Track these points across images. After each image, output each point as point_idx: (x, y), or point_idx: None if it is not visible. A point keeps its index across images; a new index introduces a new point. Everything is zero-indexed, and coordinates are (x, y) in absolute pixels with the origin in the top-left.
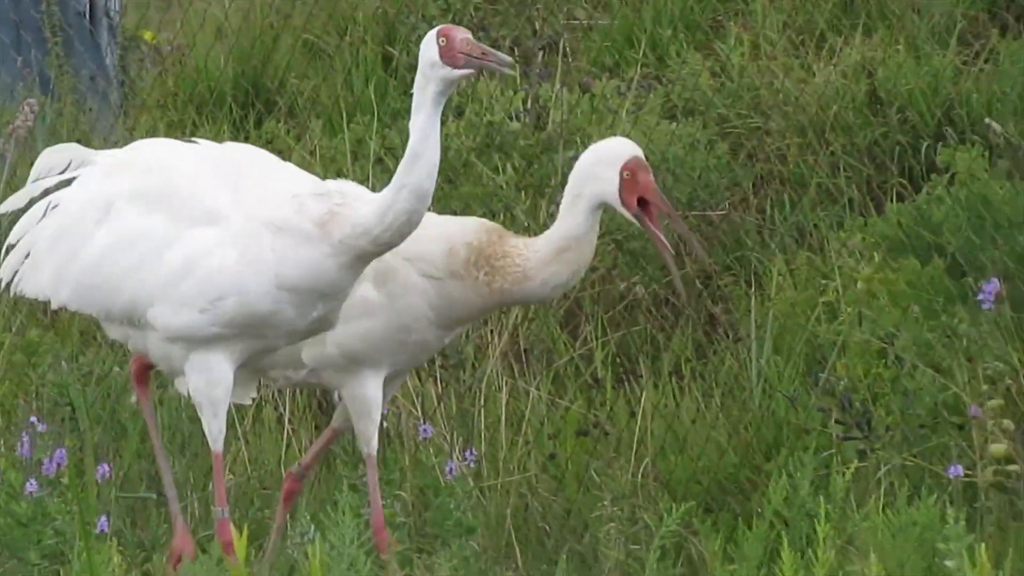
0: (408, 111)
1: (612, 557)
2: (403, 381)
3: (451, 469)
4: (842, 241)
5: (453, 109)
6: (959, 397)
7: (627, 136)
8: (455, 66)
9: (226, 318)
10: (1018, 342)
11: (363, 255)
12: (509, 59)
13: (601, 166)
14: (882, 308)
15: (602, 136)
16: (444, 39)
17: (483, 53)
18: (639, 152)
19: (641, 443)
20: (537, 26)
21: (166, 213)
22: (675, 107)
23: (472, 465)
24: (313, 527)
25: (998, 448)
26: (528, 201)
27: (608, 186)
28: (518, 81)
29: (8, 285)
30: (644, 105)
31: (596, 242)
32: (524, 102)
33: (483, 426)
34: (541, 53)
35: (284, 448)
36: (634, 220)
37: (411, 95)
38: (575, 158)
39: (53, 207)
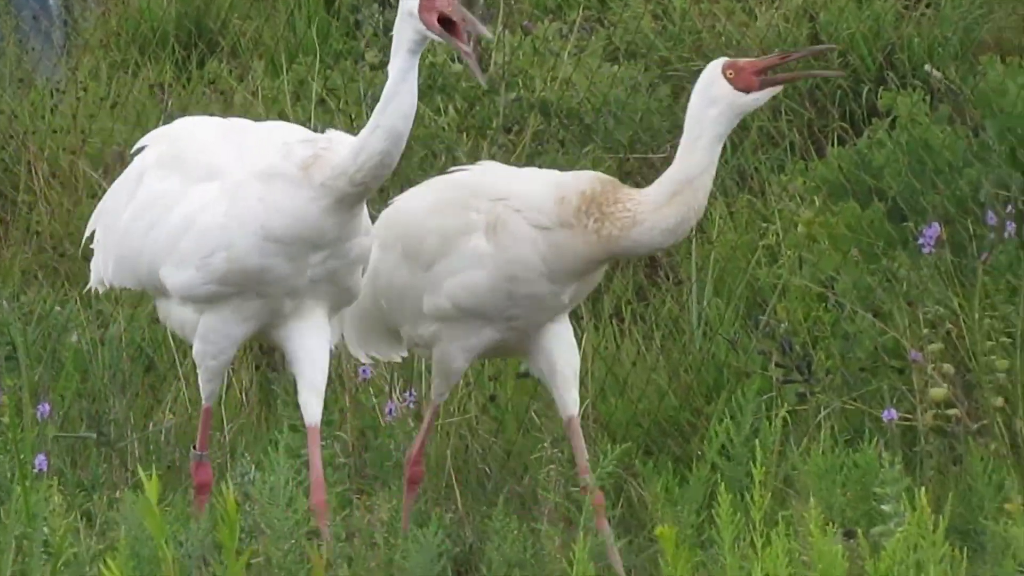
0: (349, 53)
1: (551, 499)
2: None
3: (391, 410)
4: (783, 185)
5: None
6: (899, 341)
7: (569, 79)
8: (429, 24)
9: (218, 274)
10: (958, 286)
11: (343, 197)
12: (486, 33)
13: (407, 17)
14: (822, 252)
15: (544, 79)
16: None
17: (462, 19)
18: None
19: (582, 385)
20: None
21: (180, 174)
22: (617, 50)
23: (412, 406)
24: (253, 467)
25: (938, 392)
26: (470, 143)
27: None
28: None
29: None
30: (586, 48)
31: (711, 187)
32: None
33: (423, 367)
34: None
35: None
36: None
37: (352, 36)
38: (517, 100)
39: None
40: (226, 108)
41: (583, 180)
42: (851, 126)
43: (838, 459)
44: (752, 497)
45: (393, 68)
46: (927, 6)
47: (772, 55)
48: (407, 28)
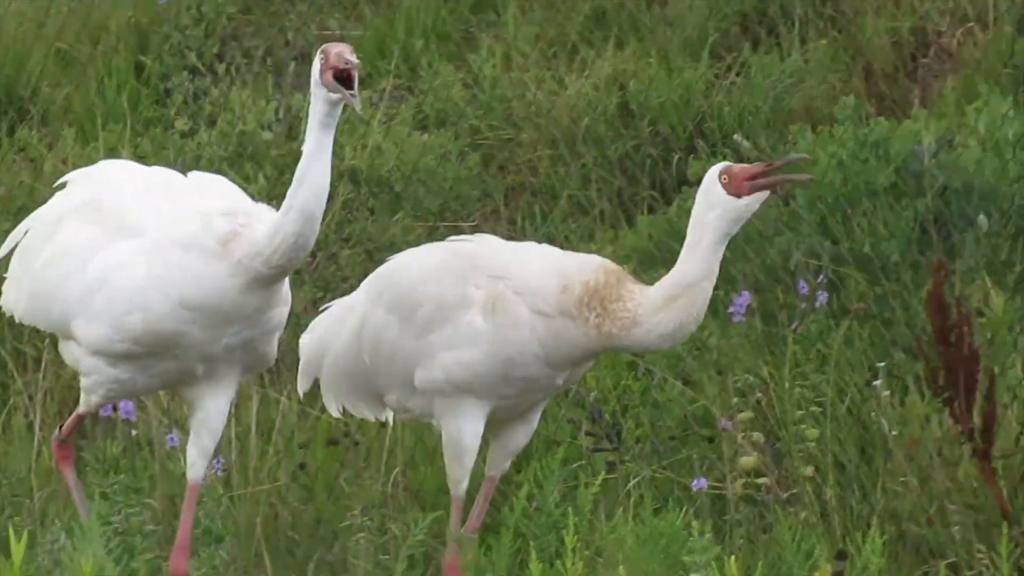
0: (160, 120)
1: (361, 567)
2: (531, 429)
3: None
4: (592, 252)
5: (206, 118)
6: (709, 409)
7: (379, 147)
8: (327, 84)
9: (134, 334)
10: (768, 355)
11: (260, 278)
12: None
13: (710, 184)
14: None
15: (354, 147)
16: (323, 56)
17: (345, 63)
18: (727, 164)
19: (391, 453)
20: (290, 36)
21: (98, 227)
22: (427, 118)
23: (221, 473)
24: (63, 534)
25: (747, 461)
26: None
27: (722, 197)
28: (270, 91)
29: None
30: (396, 116)
31: (711, 292)
32: (276, 112)
33: (233, 435)
34: (293, 63)
35: (35, 455)
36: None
37: (162, 104)
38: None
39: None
40: (35, 176)
41: (587, 270)
42: (661, 194)
43: (648, 528)
44: (564, 565)
45: (305, 146)
46: (737, 75)
47: (758, 164)
48: (316, 100)
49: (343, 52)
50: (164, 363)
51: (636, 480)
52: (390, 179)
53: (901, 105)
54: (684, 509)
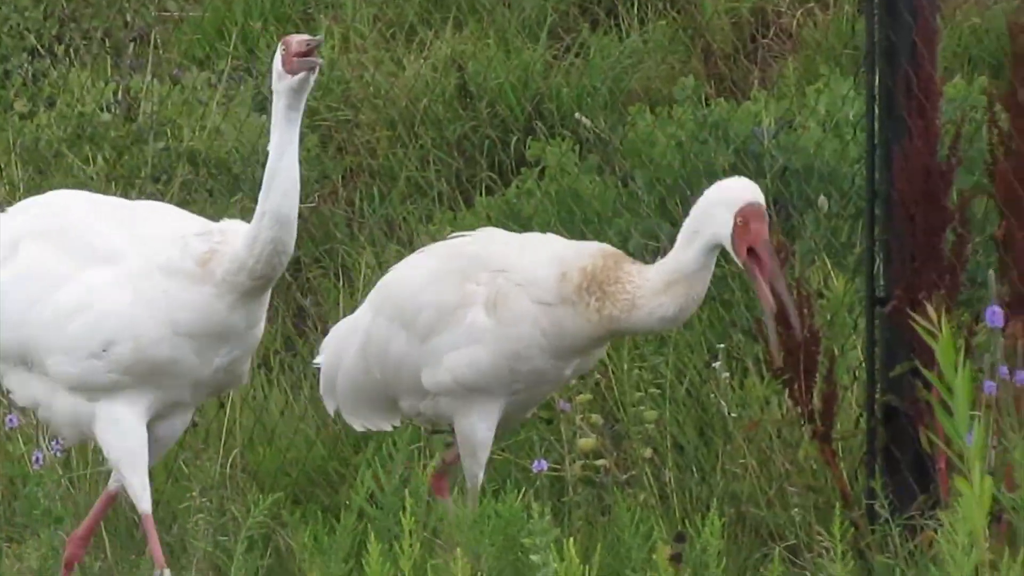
0: None
1: (200, 548)
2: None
3: (39, 459)
4: (431, 234)
5: (45, 100)
6: None
7: (217, 128)
8: (293, 72)
9: (123, 364)
10: None
11: (247, 291)
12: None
13: (719, 206)
14: None
15: (193, 128)
16: (283, 47)
17: (308, 46)
18: (759, 199)
19: (230, 434)
20: (128, 18)
21: (66, 253)
22: (265, 99)
23: (60, 454)
24: None
25: (586, 442)
26: (119, 192)
27: (722, 228)
28: (109, 72)
29: None
30: (235, 97)
31: (709, 280)
32: (115, 93)
33: None
34: (132, 45)
35: None
36: (743, 267)
37: (1, 86)
38: (165, 149)
39: None
40: None
41: (584, 255)
42: (500, 176)
43: (486, 509)
44: (401, 546)
45: (271, 146)
46: (576, 56)
47: None
48: (279, 94)
49: (303, 38)
50: (151, 393)
51: None
52: (228, 161)
53: (741, 86)
54: (523, 491)
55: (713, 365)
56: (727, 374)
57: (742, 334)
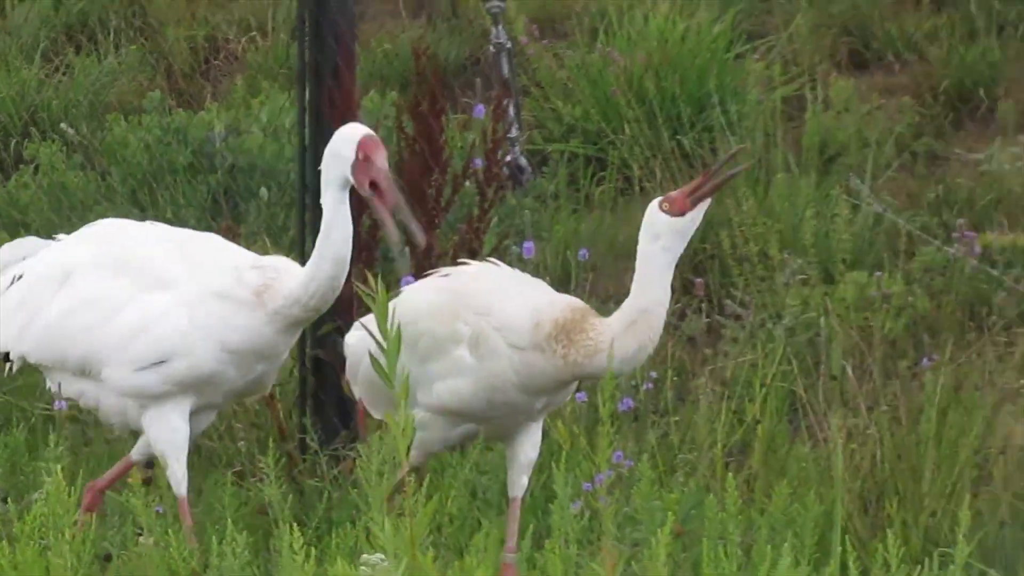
0: None
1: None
2: (538, 442)
3: None
4: None
5: None
6: None
7: None
8: (364, 187)
9: (176, 377)
10: None
11: (296, 321)
12: (419, 235)
13: (344, 143)
14: None
15: None
16: (364, 155)
17: (395, 206)
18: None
19: None
20: None
21: (125, 278)
22: None
23: None
24: None
25: None
26: None
27: (347, 164)
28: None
29: None
30: None
31: (664, 316)
32: None
33: None
34: None
35: None
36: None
37: None
38: None
39: (18, 277)
40: None
41: (558, 308)
42: (1, 171)
43: None
44: None
45: (326, 202)
46: (63, 74)
47: (697, 178)
48: (336, 169)
49: (388, 173)
50: (193, 398)
51: None
52: None
53: (198, 99)
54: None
55: None
56: None
57: None
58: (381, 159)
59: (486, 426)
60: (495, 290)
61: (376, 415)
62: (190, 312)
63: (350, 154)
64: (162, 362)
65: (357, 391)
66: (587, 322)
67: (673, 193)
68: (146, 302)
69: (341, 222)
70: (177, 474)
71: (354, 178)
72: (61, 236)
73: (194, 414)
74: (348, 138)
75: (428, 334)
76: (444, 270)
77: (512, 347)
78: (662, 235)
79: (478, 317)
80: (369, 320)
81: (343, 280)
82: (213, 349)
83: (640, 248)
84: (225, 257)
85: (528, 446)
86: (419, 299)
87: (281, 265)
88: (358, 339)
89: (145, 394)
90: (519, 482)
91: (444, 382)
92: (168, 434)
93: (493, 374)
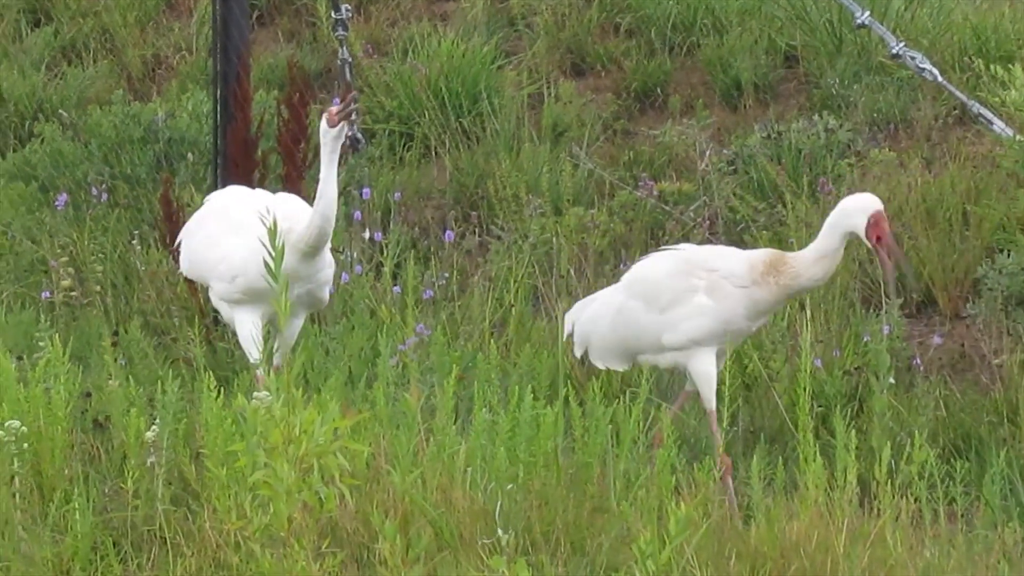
0: None
1: None
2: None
3: None
4: None
5: None
6: None
7: None
8: (871, 239)
9: (241, 288)
10: None
11: (305, 253)
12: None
13: (857, 212)
14: None
15: None
16: (874, 221)
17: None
18: (881, 207)
19: None
20: None
21: (224, 224)
22: None
23: None
24: None
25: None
26: None
27: (859, 227)
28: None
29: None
30: None
31: (842, 255)
32: None
33: None
34: None
35: None
36: (872, 249)
37: None
38: None
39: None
40: None
41: (761, 255)
42: (19, 142)
43: None
44: None
45: (322, 173)
46: (60, 79)
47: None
48: (324, 137)
49: (331, 110)
50: (261, 305)
51: None
52: None
53: (147, 95)
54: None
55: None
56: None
57: (148, 226)
58: (885, 224)
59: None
60: (714, 253)
61: (600, 366)
62: (247, 248)
63: (862, 220)
64: (234, 278)
65: (580, 350)
66: (784, 258)
67: (882, 223)
68: (227, 242)
69: (330, 188)
70: (253, 356)
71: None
72: (211, 196)
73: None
74: (863, 209)
75: (670, 289)
76: (668, 247)
77: (738, 288)
78: (845, 228)
79: (709, 273)
80: (584, 309)
81: (330, 231)
82: (259, 272)
83: (834, 216)
84: (277, 208)
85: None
86: (658, 267)
87: (301, 215)
88: (589, 318)
89: (229, 299)
90: (712, 401)
91: (689, 321)
92: (243, 329)
93: (727, 309)
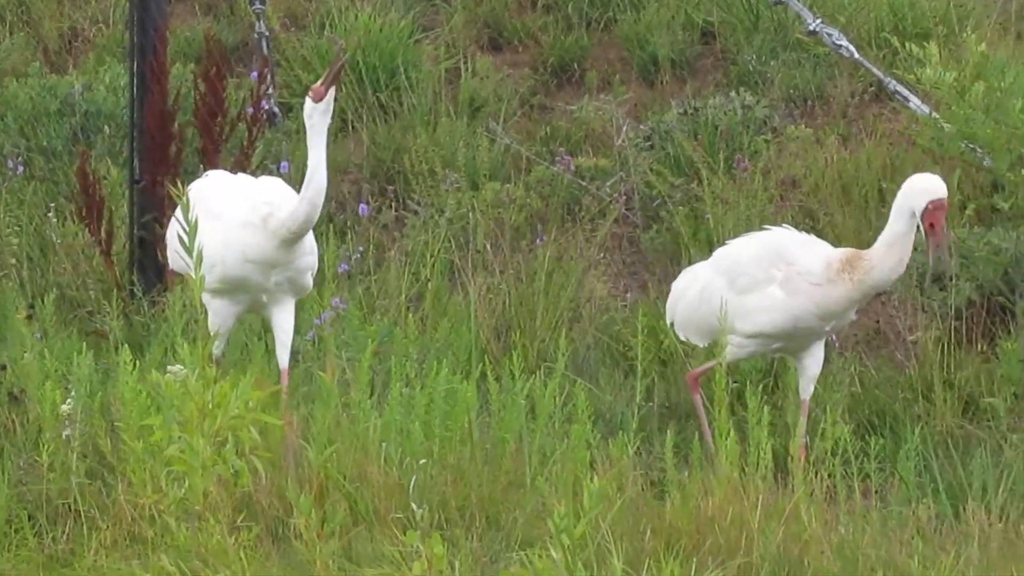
0: None
1: None
2: (821, 359)
3: None
4: None
5: None
6: None
7: None
8: (317, 100)
9: (217, 278)
10: None
11: (286, 239)
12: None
13: (921, 193)
14: None
15: None
16: (934, 207)
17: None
18: (945, 195)
19: None
20: None
21: (202, 211)
22: None
23: None
24: None
25: None
26: None
27: (919, 208)
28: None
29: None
30: None
31: (913, 241)
32: None
33: None
34: None
35: None
36: (923, 232)
37: None
38: None
39: None
40: None
41: (838, 252)
42: None
43: None
44: None
45: (310, 157)
46: None
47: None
48: (310, 117)
49: (315, 86)
50: (241, 295)
51: None
52: None
53: (64, 68)
54: None
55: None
56: None
57: (65, 200)
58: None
59: (786, 343)
60: (800, 245)
61: (682, 337)
62: (224, 234)
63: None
64: (211, 267)
65: (670, 318)
66: (860, 254)
67: (941, 210)
68: (206, 228)
69: (319, 174)
70: (220, 346)
71: (921, 216)
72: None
73: (264, 307)
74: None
75: (750, 274)
76: (765, 228)
77: (812, 285)
78: (910, 218)
79: (788, 266)
80: (676, 283)
81: (316, 217)
82: (238, 260)
83: (896, 207)
84: (256, 193)
85: (813, 362)
86: (744, 249)
87: (285, 199)
88: (685, 281)
89: (209, 289)
90: (808, 388)
91: (760, 314)
92: (215, 318)
93: (797, 305)
